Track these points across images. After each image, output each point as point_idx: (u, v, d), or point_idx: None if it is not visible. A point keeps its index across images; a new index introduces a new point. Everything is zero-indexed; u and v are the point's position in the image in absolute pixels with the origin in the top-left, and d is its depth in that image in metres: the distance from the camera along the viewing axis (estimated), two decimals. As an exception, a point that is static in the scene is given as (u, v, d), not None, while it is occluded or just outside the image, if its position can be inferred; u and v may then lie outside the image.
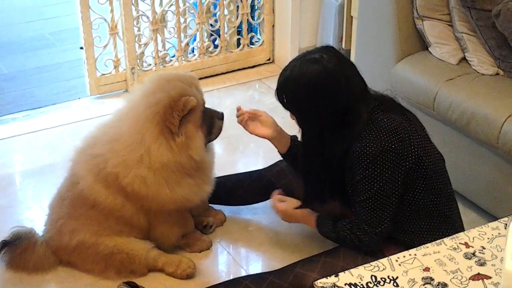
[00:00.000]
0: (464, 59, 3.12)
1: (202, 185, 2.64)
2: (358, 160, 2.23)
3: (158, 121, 2.47)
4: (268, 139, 2.63)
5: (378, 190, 2.25)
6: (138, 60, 4.10)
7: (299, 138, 2.41)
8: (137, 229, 2.68)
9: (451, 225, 2.36)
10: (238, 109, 2.64)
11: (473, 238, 1.94)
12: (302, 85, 2.25)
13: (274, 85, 2.42)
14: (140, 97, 2.57)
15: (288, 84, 2.30)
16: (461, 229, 2.37)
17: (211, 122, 2.63)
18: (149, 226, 2.69)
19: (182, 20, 4.19)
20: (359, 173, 2.25)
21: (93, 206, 2.61)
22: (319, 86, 2.22)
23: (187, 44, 4.28)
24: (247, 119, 2.62)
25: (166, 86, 2.53)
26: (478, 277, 1.79)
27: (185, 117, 2.49)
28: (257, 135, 2.64)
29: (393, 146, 2.21)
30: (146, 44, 4.12)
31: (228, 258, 2.82)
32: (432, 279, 1.78)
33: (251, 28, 4.49)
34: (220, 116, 2.67)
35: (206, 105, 2.64)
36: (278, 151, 2.66)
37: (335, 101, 2.23)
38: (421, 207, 2.32)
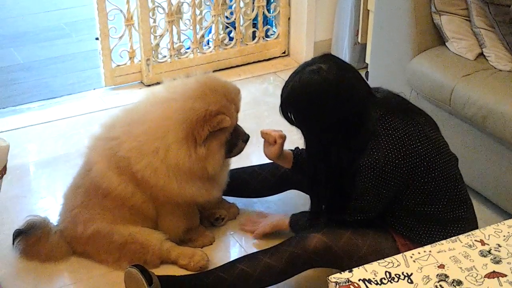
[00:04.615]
0: (481, 54, 3.10)
1: (210, 189, 2.64)
2: (362, 173, 2.24)
3: (187, 126, 2.45)
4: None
5: (372, 198, 2.29)
6: (153, 52, 4.10)
7: (304, 151, 2.42)
8: (149, 219, 2.69)
9: (462, 227, 2.34)
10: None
11: (489, 236, 1.92)
12: (305, 98, 2.23)
13: (289, 78, 2.40)
14: (180, 95, 2.53)
15: (291, 98, 2.28)
16: (474, 229, 2.35)
17: (235, 143, 2.63)
18: (157, 217, 2.71)
19: (197, 12, 4.19)
20: (360, 182, 2.26)
21: (105, 195, 2.62)
22: (322, 97, 2.20)
23: (203, 36, 4.28)
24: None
25: (209, 97, 2.50)
26: (493, 275, 1.77)
27: (213, 133, 2.48)
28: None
29: (396, 161, 2.21)
30: (161, 36, 4.12)
31: (241, 251, 2.82)
32: (447, 276, 1.77)
33: (266, 21, 4.48)
34: (245, 139, 2.66)
35: None
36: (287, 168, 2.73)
37: (340, 111, 2.21)
38: (426, 212, 2.32)
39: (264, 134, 2.61)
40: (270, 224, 2.77)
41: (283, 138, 2.59)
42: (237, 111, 2.62)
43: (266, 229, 2.78)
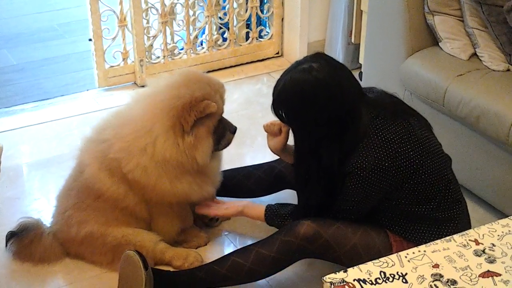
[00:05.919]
0: (474, 54, 3.10)
1: (203, 185, 2.63)
2: (351, 174, 2.25)
3: (173, 115, 2.45)
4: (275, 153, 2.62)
5: (361, 200, 2.30)
6: (146, 53, 4.09)
7: (294, 150, 2.40)
8: (142, 221, 2.69)
9: (454, 226, 2.35)
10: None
11: (483, 235, 1.92)
12: (296, 96, 2.24)
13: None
14: (163, 87, 2.55)
15: (282, 97, 2.29)
16: (466, 228, 2.35)
17: (223, 133, 2.62)
18: (150, 218, 2.70)
19: (191, 12, 4.18)
20: (350, 184, 2.27)
21: (98, 197, 2.61)
22: (313, 95, 2.21)
23: (196, 37, 4.27)
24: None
25: (193, 85, 2.51)
26: (487, 274, 1.78)
27: (200, 120, 2.48)
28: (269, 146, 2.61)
29: (386, 164, 2.22)
30: (155, 37, 4.11)
31: (235, 252, 2.81)
32: (441, 276, 1.77)
33: (260, 22, 4.48)
34: (233, 130, 2.65)
35: None
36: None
37: (330, 109, 2.22)
38: (418, 212, 2.33)
39: (267, 126, 2.54)
40: (234, 207, 2.66)
41: (288, 127, 2.51)
42: (223, 103, 2.61)
43: (228, 211, 2.68)
